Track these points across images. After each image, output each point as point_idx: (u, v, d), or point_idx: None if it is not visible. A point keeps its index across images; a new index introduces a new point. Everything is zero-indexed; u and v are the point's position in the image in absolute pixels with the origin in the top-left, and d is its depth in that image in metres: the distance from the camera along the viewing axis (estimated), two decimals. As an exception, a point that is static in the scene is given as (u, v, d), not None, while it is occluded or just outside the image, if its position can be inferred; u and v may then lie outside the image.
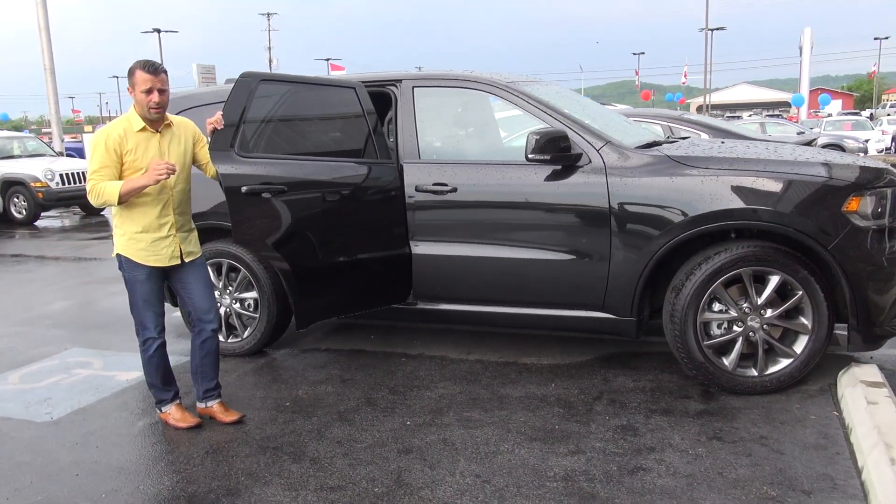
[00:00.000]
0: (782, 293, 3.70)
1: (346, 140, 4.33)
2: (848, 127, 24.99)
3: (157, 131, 3.50)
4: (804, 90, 35.73)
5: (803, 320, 3.69)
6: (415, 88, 4.35)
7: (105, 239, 11.38)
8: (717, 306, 3.75)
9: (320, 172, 4.02)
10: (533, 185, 3.97)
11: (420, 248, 4.23)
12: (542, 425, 3.54)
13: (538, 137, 3.80)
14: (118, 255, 3.57)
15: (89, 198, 3.42)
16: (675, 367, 4.25)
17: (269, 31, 63.77)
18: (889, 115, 35.71)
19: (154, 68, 3.39)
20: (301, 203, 3.89)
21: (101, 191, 3.36)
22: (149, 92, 3.36)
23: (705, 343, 3.73)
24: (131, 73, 3.44)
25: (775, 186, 3.61)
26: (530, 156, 3.81)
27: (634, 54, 64.90)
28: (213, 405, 3.79)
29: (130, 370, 4.73)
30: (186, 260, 3.64)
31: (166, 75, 3.44)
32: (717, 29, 39.25)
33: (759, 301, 3.68)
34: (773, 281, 3.66)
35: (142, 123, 3.45)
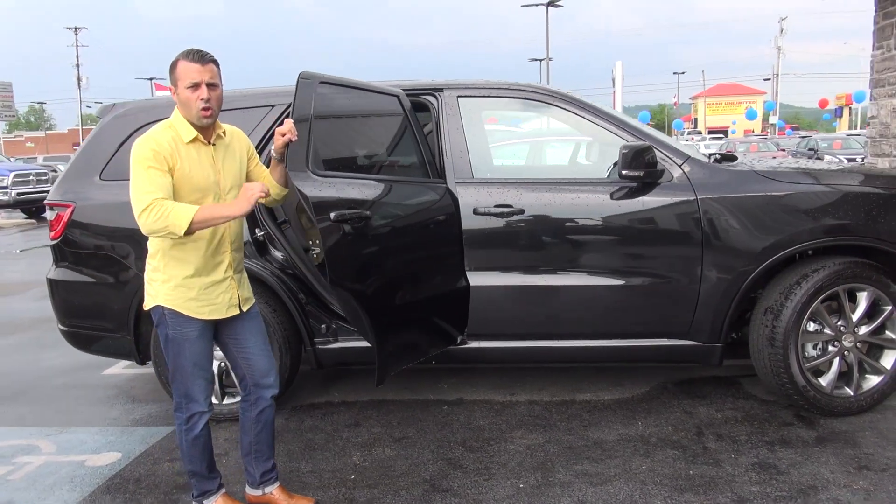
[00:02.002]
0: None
1: (401, 156, 3.70)
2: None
3: (209, 143, 2.71)
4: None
5: (891, 335, 3.63)
6: (460, 98, 3.83)
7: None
8: (811, 326, 3.59)
9: (394, 195, 3.37)
10: (614, 205, 3.60)
11: (478, 279, 3.69)
12: (671, 472, 3.15)
13: (626, 152, 3.45)
14: (158, 308, 2.71)
15: (143, 218, 2.49)
16: (741, 390, 4.06)
17: (77, 46, 58.39)
18: (688, 139, 40.02)
19: (200, 56, 2.60)
20: (380, 231, 3.21)
21: (167, 212, 2.47)
22: (195, 87, 2.57)
23: (806, 366, 3.55)
24: (173, 66, 2.63)
25: (871, 200, 3.54)
26: (624, 172, 3.45)
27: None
28: (273, 491, 2.99)
29: (100, 451, 3.72)
30: (245, 308, 2.85)
31: (217, 67, 2.65)
32: (550, 60, 41.42)
33: (855, 318, 3.57)
34: (865, 297, 3.57)
35: (192, 132, 2.64)
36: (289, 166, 2.82)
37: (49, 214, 4.17)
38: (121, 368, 5.15)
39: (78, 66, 57.20)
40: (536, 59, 41.18)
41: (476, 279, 3.68)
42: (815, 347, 3.63)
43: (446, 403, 4.09)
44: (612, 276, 3.65)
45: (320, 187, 2.98)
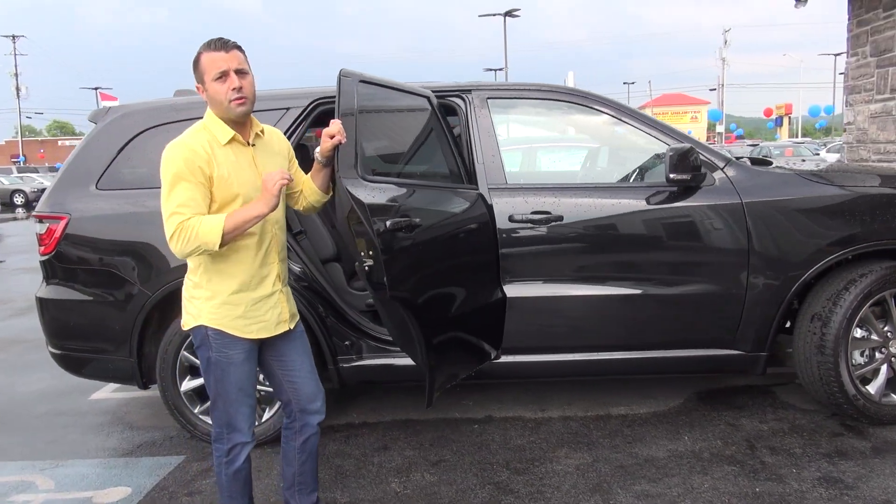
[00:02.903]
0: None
1: (435, 161, 3.48)
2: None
3: (248, 143, 2.45)
4: (571, 127, 39.20)
5: (931, 340, 3.57)
6: (489, 100, 3.64)
7: None
8: (858, 332, 3.50)
9: (438, 202, 3.15)
10: (657, 211, 3.45)
11: (514, 289, 3.49)
12: (736, 490, 2.99)
13: (673, 154, 3.31)
14: (200, 329, 2.43)
15: (173, 245, 2.27)
16: (777, 400, 3.95)
17: (16, 55, 56.19)
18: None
19: (223, 43, 2.34)
20: (429, 240, 2.98)
21: (194, 232, 2.25)
22: (224, 76, 2.32)
23: (855, 374, 3.46)
24: (196, 62, 2.37)
25: (914, 202, 3.48)
26: (672, 175, 3.30)
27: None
28: (319, 525, 2.73)
29: (105, 486, 3.39)
30: (292, 325, 2.59)
31: (243, 53, 2.39)
32: (503, 69, 41.65)
33: (902, 323, 3.50)
34: (909, 301, 3.51)
35: (229, 133, 2.39)
36: (339, 171, 2.58)
37: (38, 228, 3.81)
38: (109, 392, 4.78)
39: (17, 75, 55.10)
40: (492, 69, 41.34)
41: (512, 290, 3.48)
42: (862, 354, 3.54)
43: (476, 422, 3.87)
44: (657, 284, 3.50)
45: (372, 193, 2.74)
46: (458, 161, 3.47)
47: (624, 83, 66.41)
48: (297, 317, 2.64)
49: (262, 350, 2.56)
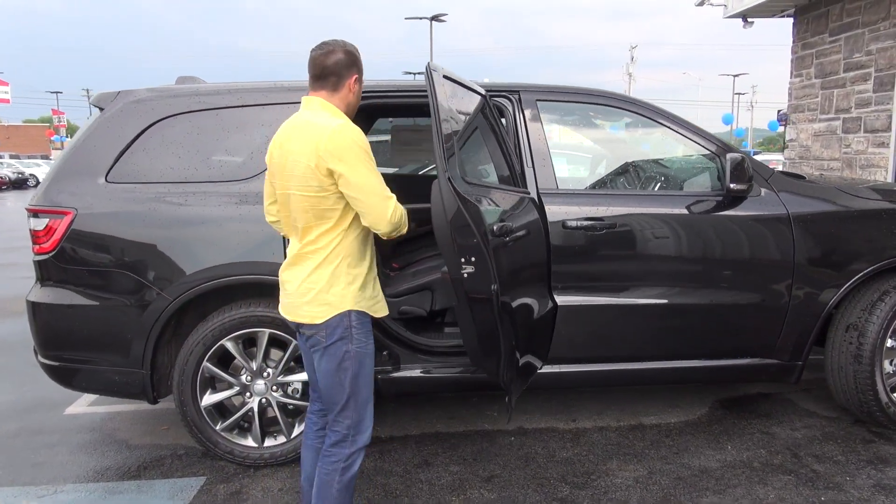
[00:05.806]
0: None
1: (496, 163, 3.32)
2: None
3: None
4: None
5: (949, 349, 3.74)
6: (539, 102, 3.53)
7: None
8: (889, 342, 3.62)
9: (513, 205, 3.00)
10: (709, 220, 3.44)
11: (564, 298, 3.40)
12: (802, 500, 3.00)
13: (731, 164, 3.32)
14: (344, 318, 2.29)
15: (391, 222, 2.24)
16: (798, 407, 4.04)
17: None
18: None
19: None
20: (514, 245, 2.84)
21: (403, 215, 2.29)
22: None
23: (888, 382, 3.57)
24: (357, 57, 2.37)
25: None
26: (732, 186, 3.31)
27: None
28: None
29: (123, 514, 3.03)
30: None
31: None
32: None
33: (923, 333, 3.64)
34: (929, 312, 3.65)
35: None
36: (447, 173, 2.40)
37: (34, 223, 3.38)
38: (85, 407, 4.33)
39: None
40: (411, 73, 41.20)
41: (563, 298, 3.39)
42: (891, 363, 3.66)
43: (510, 434, 3.74)
44: (707, 294, 3.47)
45: (475, 196, 2.57)
46: (513, 163, 3.35)
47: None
48: None
49: None
